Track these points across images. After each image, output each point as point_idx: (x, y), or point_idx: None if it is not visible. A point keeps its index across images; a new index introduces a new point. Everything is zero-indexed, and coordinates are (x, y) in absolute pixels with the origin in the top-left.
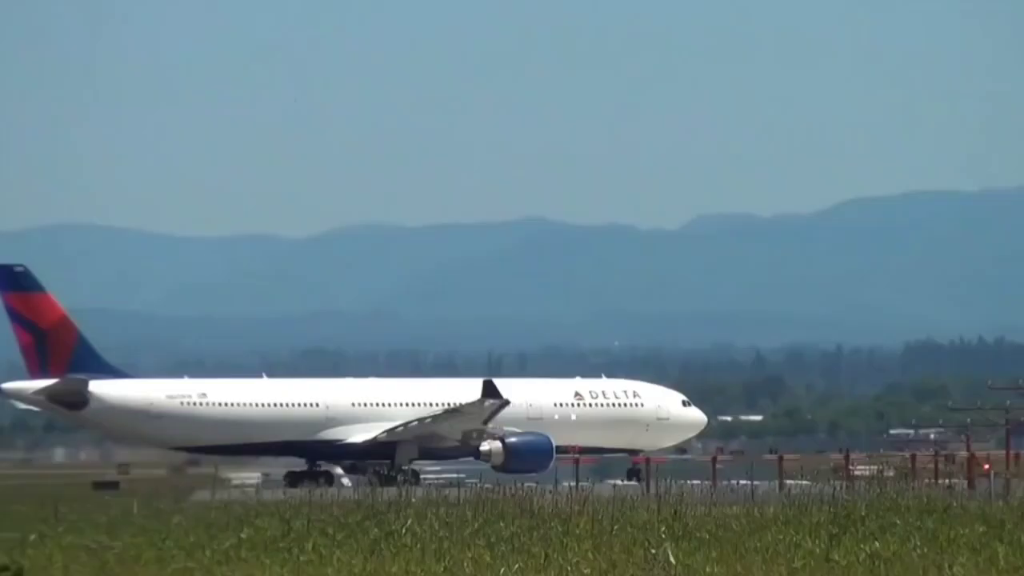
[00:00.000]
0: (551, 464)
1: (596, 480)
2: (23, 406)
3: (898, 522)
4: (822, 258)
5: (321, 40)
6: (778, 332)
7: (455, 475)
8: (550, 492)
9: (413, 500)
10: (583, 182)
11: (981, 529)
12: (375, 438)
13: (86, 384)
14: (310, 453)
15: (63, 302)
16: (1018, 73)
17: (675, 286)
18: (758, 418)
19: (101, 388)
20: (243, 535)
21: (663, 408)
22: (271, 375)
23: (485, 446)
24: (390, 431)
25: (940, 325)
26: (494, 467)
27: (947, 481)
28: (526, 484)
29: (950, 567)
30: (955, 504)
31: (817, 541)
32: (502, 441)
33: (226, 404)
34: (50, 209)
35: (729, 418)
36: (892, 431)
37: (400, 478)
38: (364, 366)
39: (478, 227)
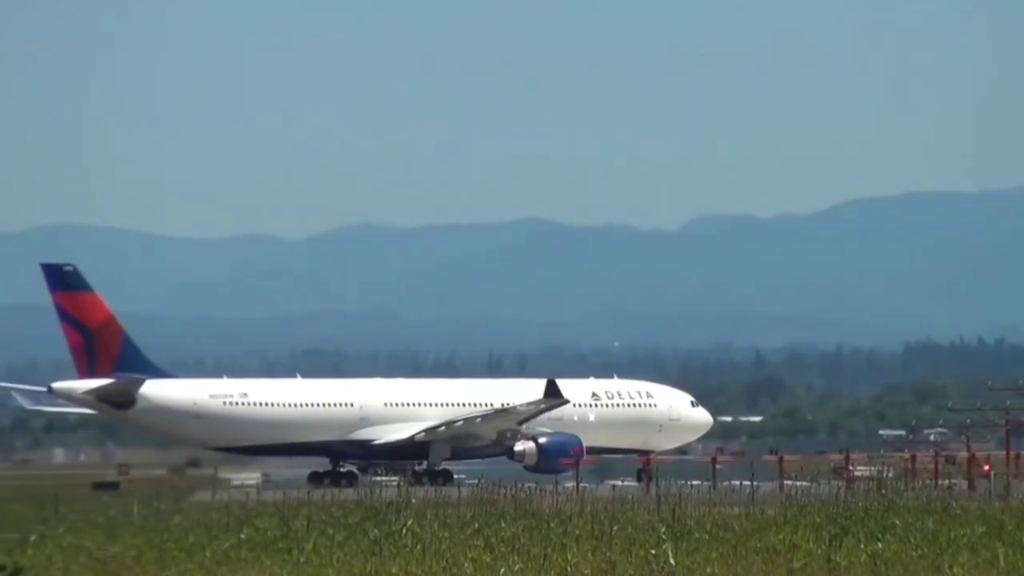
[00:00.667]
0: (581, 464)
1: (597, 481)
2: (67, 408)
3: (898, 523)
4: (822, 258)
5: (321, 40)
6: (778, 332)
7: (456, 475)
8: (550, 492)
9: (413, 500)
10: (583, 182)
11: (981, 530)
12: (412, 437)
13: (140, 384)
14: (345, 453)
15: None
16: (1018, 73)
17: (675, 286)
18: (758, 418)
19: (149, 388)
20: (243, 536)
21: (674, 409)
22: (271, 375)
23: (519, 446)
24: (429, 430)
25: (940, 325)
26: (526, 467)
27: (947, 482)
28: (526, 484)
29: (950, 568)
30: (955, 505)
31: (817, 542)
32: (535, 441)
33: (267, 404)
34: (50, 209)
35: (729, 418)
36: (881, 431)
37: (400, 478)
38: (364, 366)
39: (478, 227)
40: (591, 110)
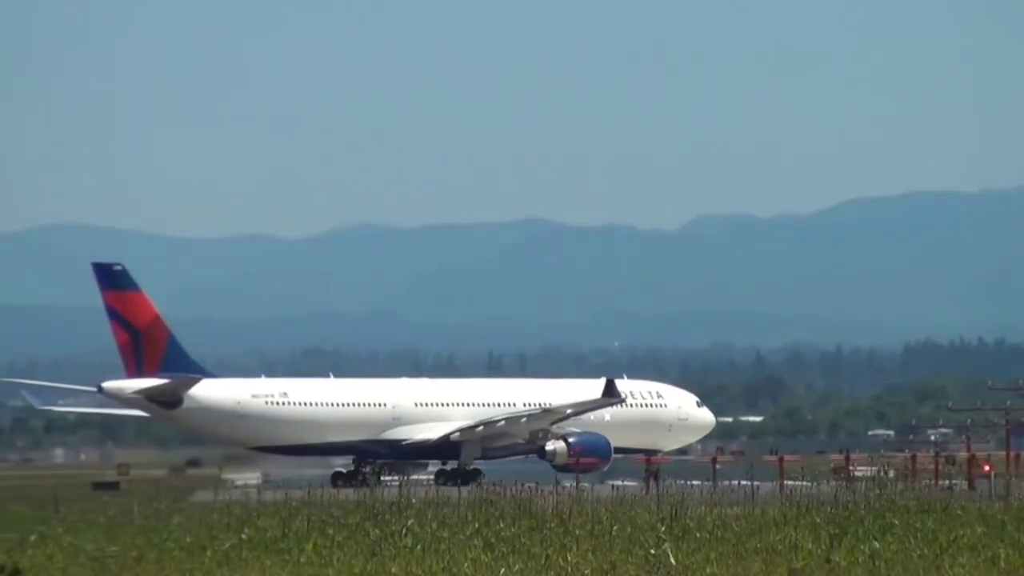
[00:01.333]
0: (610, 463)
1: (596, 480)
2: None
3: (898, 523)
4: (822, 258)
5: (321, 40)
6: (778, 332)
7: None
8: (550, 492)
9: (413, 500)
10: (583, 182)
11: (981, 530)
12: (447, 436)
13: (193, 383)
14: (375, 453)
15: (62, 303)
16: (1018, 73)
17: (675, 286)
18: (758, 418)
19: (195, 388)
20: (243, 536)
21: (683, 409)
22: (271, 375)
23: (550, 445)
24: (464, 430)
25: (940, 325)
26: (555, 466)
27: (947, 482)
28: (526, 484)
29: (950, 568)
30: (955, 505)
31: (817, 542)
32: (565, 440)
33: (306, 404)
34: (50, 209)
35: (729, 418)
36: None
37: (397, 479)
38: (364, 366)
39: (478, 227)
40: (591, 110)
